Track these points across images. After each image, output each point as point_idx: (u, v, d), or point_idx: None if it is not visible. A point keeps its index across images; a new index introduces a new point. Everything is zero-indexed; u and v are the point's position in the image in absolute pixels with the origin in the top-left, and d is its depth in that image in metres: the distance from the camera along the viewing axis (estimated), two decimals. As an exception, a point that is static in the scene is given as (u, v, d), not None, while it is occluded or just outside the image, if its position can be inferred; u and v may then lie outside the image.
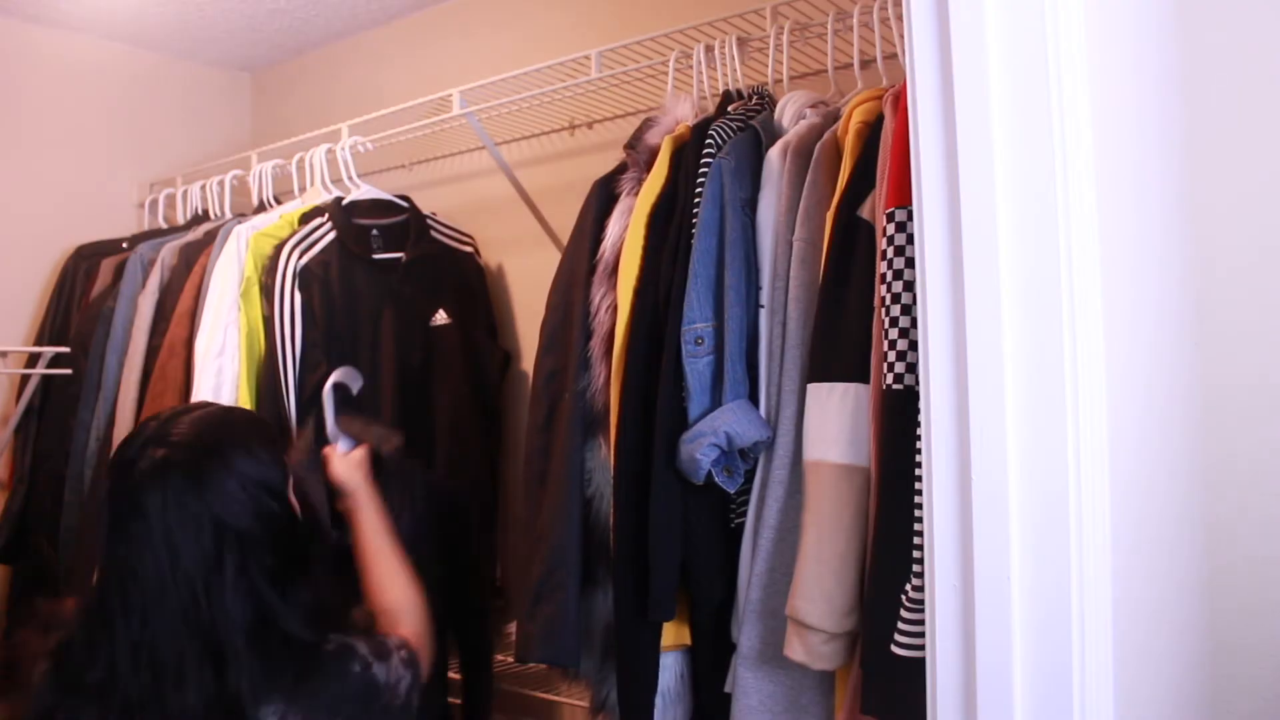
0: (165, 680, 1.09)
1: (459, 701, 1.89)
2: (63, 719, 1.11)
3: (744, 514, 1.34)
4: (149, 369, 2.06)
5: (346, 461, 1.48)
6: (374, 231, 2.05)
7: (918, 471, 1.04)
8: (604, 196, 1.53)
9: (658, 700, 1.41)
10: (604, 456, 1.45)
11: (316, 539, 1.33)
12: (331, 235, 1.98)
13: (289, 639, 1.15)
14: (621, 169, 1.54)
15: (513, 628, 1.53)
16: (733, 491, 1.33)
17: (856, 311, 1.22)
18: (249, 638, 1.12)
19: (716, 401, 1.31)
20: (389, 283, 2.02)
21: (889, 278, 1.15)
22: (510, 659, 2.01)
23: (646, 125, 1.56)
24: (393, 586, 1.37)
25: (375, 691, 1.20)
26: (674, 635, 1.41)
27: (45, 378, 2.29)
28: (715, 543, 1.37)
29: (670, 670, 1.43)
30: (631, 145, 1.57)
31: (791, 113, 1.46)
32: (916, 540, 1.06)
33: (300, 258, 1.93)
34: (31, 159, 2.54)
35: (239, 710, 1.10)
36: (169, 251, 2.20)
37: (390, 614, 1.33)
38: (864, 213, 1.25)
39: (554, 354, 1.52)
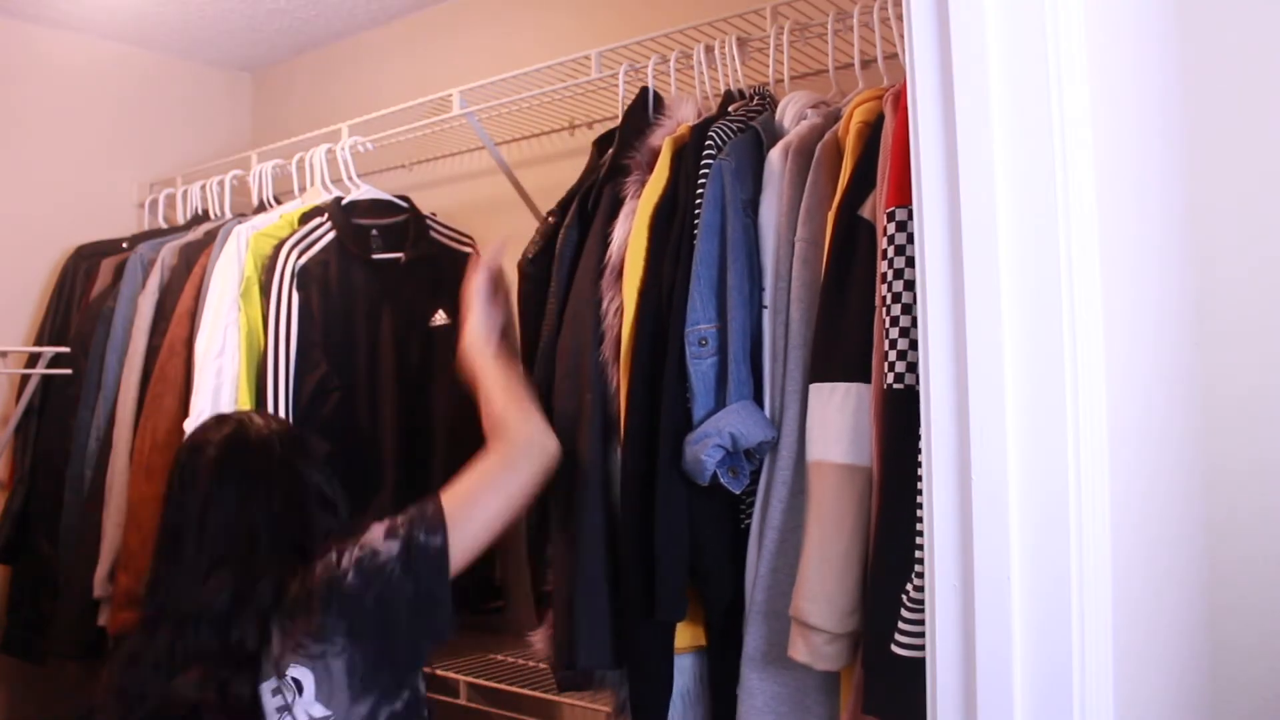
0: (197, 579, 1.24)
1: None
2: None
3: (752, 515, 1.34)
4: (149, 369, 2.06)
5: (475, 334, 1.49)
6: (373, 231, 2.05)
7: (919, 471, 1.04)
8: (610, 198, 1.54)
9: (676, 702, 1.41)
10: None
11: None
12: (331, 235, 1.98)
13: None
14: (624, 170, 1.53)
15: (537, 635, 1.53)
16: (738, 492, 1.33)
17: (858, 311, 1.22)
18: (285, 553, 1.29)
19: (721, 402, 1.31)
20: (388, 283, 2.02)
21: (890, 277, 1.15)
22: (514, 659, 2.02)
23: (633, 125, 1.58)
24: (499, 397, 1.39)
25: (340, 574, 1.22)
26: (690, 637, 1.41)
27: (45, 378, 2.29)
28: (724, 544, 1.36)
29: (688, 672, 1.43)
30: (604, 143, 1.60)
31: (792, 113, 1.46)
32: (917, 540, 1.06)
33: (299, 257, 1.93)
34: (32, 159, 2.54)
35: (263, 615, 1.23)
36: (169, 251, 2.20)
37: (495, 427, 1.38)
38: (865, 212, 1.25)
39: (572, 358, 1.52)
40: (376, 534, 1.24)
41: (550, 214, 1.64)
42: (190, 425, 1.82)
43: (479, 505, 1.30)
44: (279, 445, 1.35)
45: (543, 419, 1.40)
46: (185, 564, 1.27)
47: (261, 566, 1.26)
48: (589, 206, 1.58)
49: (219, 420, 1.40)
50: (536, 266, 1.61)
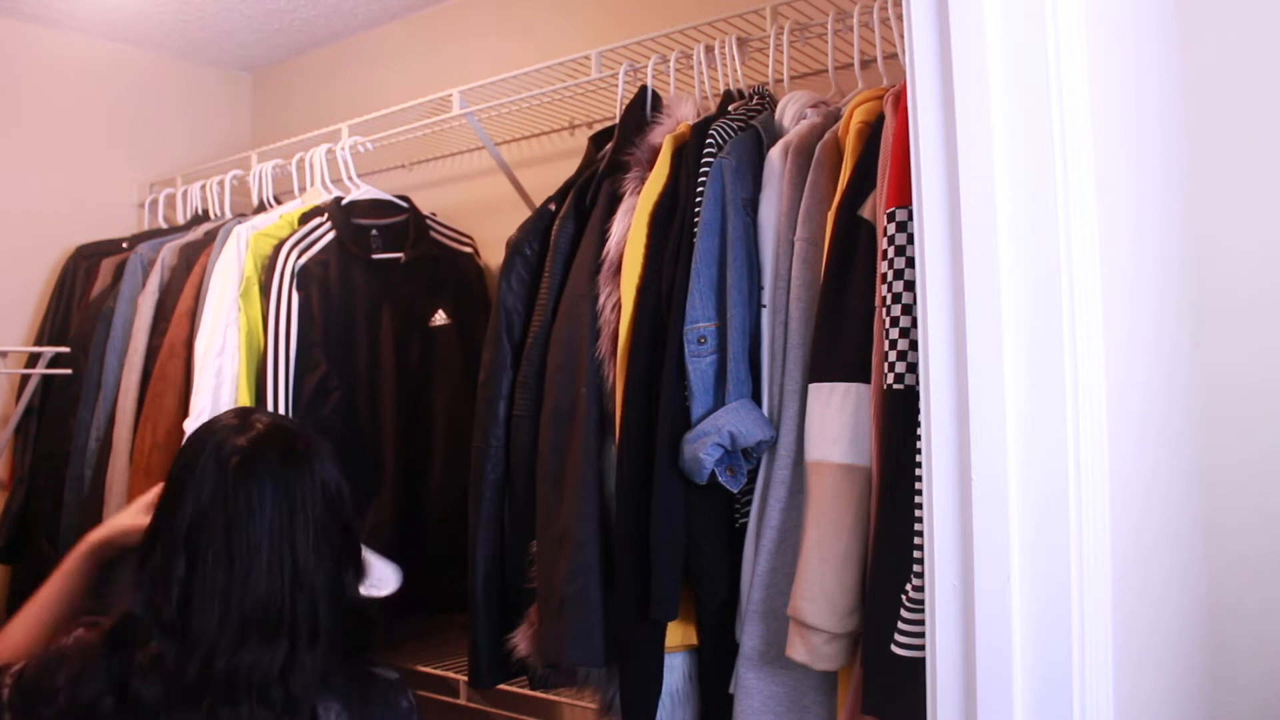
0: (252, 631, 1.13)
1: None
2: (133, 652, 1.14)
3: (748, 514, 1.34)
4: (149, 369, 2.06)
5: None
6: (373, 231, 2.05)
7: (918, 471, 1.04)
8: (609, 194, 1.54)
9: (665, 701, 1.41)
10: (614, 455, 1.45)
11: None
12: (331, 235, 1.98)
13: (351, 637, 1.20)
14: (623, 167, 1.54)
15: (518, 633, 1.52)
16: (736, 491, 1.33)
17: (858, 311, 1.22)
18: (335, 610, 1.18)
19: (719, 401, 1.31)
20: (388, 283, 2.02)
21: (890, 277, 1.15)
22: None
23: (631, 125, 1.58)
24: None
25: None
26: (681, 636, 1.41)
27: (45, 378, 2.29)
28: (719, 543, 1.36)
29: (678, 671, 1.43)
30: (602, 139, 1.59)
31: (792, 112, 1.46)
32: (917, 540, 1.06)
33: (299, 257, 1.93)
34: (32, 159, 2.54)
35: (312, 684, 1.14)
36: (169, 251, 2.20)
37: None
38: (865, 212, 1.25)
39: (566, 351, 1.51)
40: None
41: (551, 200, 1.64)
42: (190, 425, 1.82)
43: None
44: (307, 442, 1.26)
45: None
46: (220, 585, 1.14)
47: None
48: (586, 201, 1.58)
49: (240, 415, 1.27)
50: (530, 254, 1.61)
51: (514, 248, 1.63)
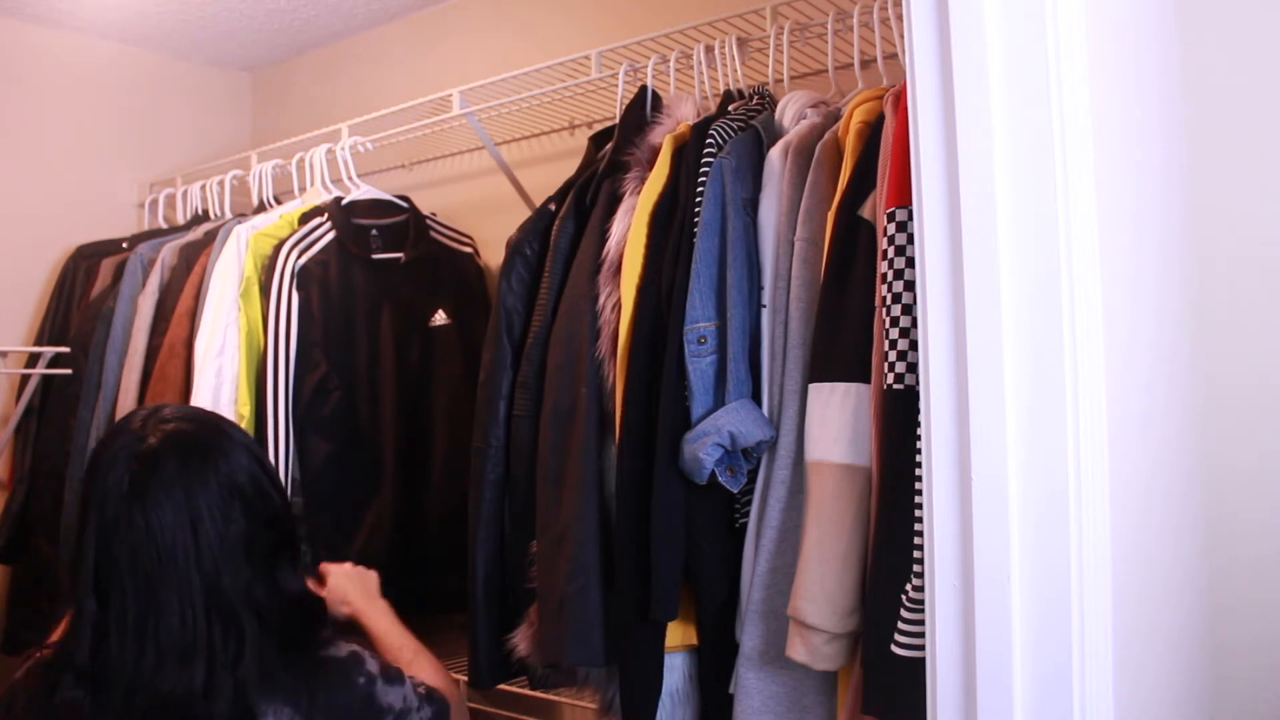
0: (169, 659, 1.07)
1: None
2: (59, 702, 1.09)
3: (748, 514, 1.34)
4: (149, 369, 2.06)
5: (342, 574, 1.47)
6: (373, 231, 2.05)
7: (918, 471, 1.04)
8: (609, 194, 1.54)
9: (665, 701, 1.41)
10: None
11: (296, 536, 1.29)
12: (331, 235, 1.98)
13: (293, 632, 1.15)
14: (623, 167, 1.54)
15: (517, 633, 1.52)
16: (736, 491, 1.33)
17: (858, 311, 1.22)
18: (260, 618, 1.12)
19: (719, 401, 1.31)
20: (388, 283, 2.02)
21: (890, 277, 1.15)
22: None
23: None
24: (424, 669, 1.35)
25: (376, 711, 1.18)
26: (681, 636, 1.41)
27: (45, 378, 2.29)
28: (719, 543, 1.36)
29: (678, 671, 1.43)
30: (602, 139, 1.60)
31: (792, 112, 1.46)
32: (917, 540, 1.06)
33: (299, 257, 1.93)
34: (32, 159, 2.54)
35: (244, 697, 1.08)
36: (169, 251, 2.20)
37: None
38: (865, 212, 1.25)
39: (566, 351, 1.51)
40: (411, 691, 1.23)
41: (551, 200, 1.64)
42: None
43: None
44: (208, 441, 1.17)
45: (441, 673, 1.37)
46: (129, 615, 1.08)
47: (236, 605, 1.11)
48: (586, 200, 1.58)
49: (143, 419, 1.18)
50: (530, 254, 1.61)
51: (514, 248, 1.63)
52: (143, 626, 1.08)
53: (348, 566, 1.48)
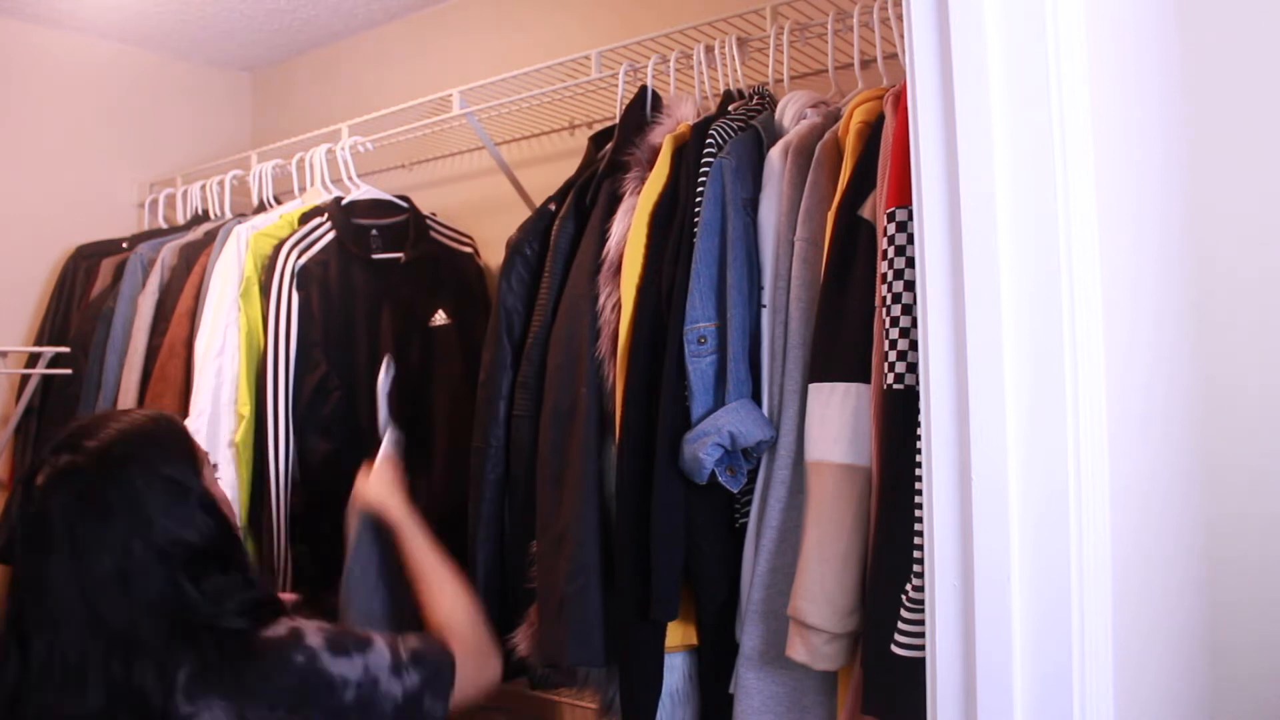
0: (68, 689, 1.04)
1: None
2: None
3: (748, 514, 1.34)
4: (149, 369, 2.06)
5: (380, 482, 1.46)
6: (373, 231, 2.06)
7: (918, 471, 1.04)
8: (609, 194, 1.54)
9: (665, 701, 1.41)
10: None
11: (237, 543, 1.22)
12: (331, 235, 1.98)
13: (217, 629, 1.10)
14: (623, 167, 1.54)
15: (517, 633, 1.52)
16: (736, 491, 1.33)
17: (858, 311, 1.22)
18: (170, 631, 1.07)
19: (719, 401, 1.31)
20: (388, 283, 2.02)
21: (890, 277, 1.15)
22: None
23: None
24: (443, 601, 1.31)
25: (327, 686, 1.11)
26: (681, 636, 1.41)
27: (45, 378, 2.29)
28: (719, 543, 1.36)
29: (678, 671, 1.43)
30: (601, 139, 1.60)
31: (792, 112, 1.46)
32: (917, 540, 1.06)
33: (299, 257, 1.93)
34: (32, 159, 2.54)
35: (145, 704, 1.04)
36: (169, 251, 2.21)
37: (442, 629, 1.27)
38: (865, 212, 1.25)
39: (566, 351, 1.51)
40: (381, 658, 1.14)
41: (551, 200, 1.64)
42: (191, 425, 1.82)
43: (467, 686, 1.22)
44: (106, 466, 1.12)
45: (464, 594, 1.34)
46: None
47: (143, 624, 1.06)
48: (586, 200, 1.58)
49: (56, 447, 1.13)
50: (530, 254, 1.61)
51: (514, 248, 1.63)
52: (48, 676, 1.05)
53: (388, 474, 1.49)
